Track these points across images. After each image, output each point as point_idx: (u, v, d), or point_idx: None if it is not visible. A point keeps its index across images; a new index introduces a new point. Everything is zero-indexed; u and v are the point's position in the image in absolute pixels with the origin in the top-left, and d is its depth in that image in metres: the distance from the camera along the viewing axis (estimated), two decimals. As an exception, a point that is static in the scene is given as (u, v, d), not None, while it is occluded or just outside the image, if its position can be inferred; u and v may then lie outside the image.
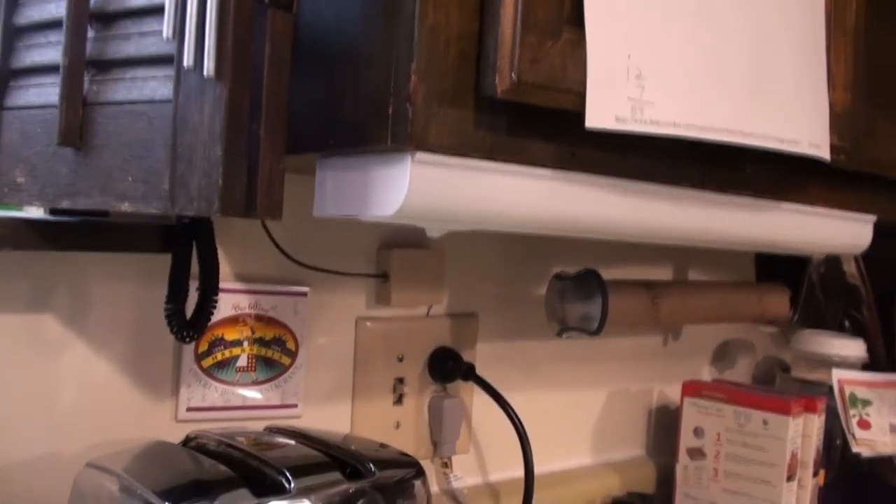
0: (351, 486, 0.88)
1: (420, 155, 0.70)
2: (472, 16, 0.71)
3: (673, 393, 1.56)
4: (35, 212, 1.00)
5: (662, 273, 1.61)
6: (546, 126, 0.76)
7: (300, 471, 0.86)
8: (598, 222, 0.85)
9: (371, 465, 0.91)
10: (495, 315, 1.36)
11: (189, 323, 0.97)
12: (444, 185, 0.73)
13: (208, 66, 0.67)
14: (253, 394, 1.10)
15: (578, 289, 1.29)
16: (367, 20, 0.72)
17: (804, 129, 0.91)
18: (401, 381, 1.24)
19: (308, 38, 0.75)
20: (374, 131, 0.70)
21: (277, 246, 1.09)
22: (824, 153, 0.93)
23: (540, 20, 0.72)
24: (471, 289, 1.33)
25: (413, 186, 0.71)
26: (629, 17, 0.76)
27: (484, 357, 1.33)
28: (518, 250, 1.38)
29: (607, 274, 1.30)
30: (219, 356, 1.07)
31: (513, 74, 0.70)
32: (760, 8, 0.87)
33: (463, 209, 0.75)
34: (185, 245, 0.97)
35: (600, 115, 0.74)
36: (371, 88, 0.71)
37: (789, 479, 1.34)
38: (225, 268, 1.06)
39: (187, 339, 0.97)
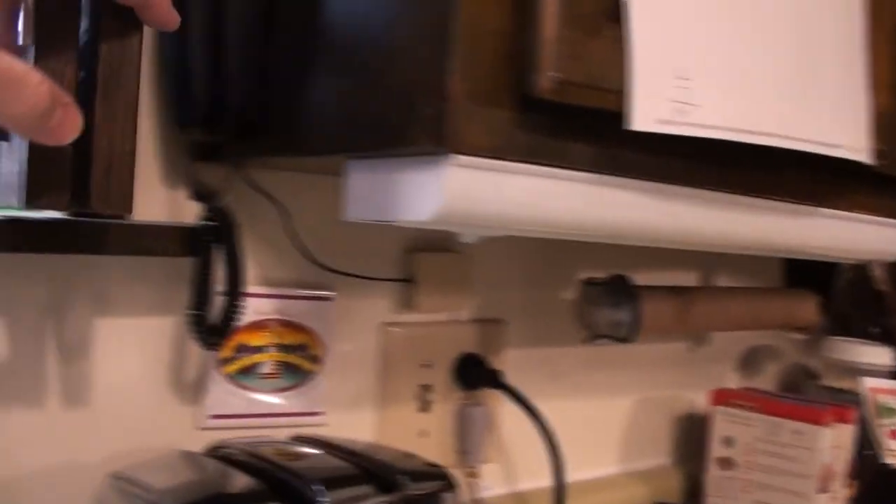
0: (383, 500, 0.86)
1: (457, 157, 0.67)
2: (511, 10, 0.68)
3: (698, 400, 1.54)
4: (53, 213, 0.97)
5: (689, 278, 1.58)
6: (586, 127, 0.74)
7: (331, 483, 0.84)
8: (637, 227, 0.82)
9: (401, 478, 0.89)
10: (522, 321, 1.33)
11: (213, 329, 0.95)
12: (481, 189, 0.70)
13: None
14: (277, 401, 1.08)
15: (609, 295, 1.26)
16: (399, 13, 0.70)
17: (846, 133, 0.88)
18: (426, 387, 1.21)
19: (335, 32, 0.73)
20: (409, 132, 0.68)
21: (301, 250, 1.07)
22: (866, 157, 0.90)
23: (581, 15, 0.69)
24: (498, 294, 1.30)
25: (450, 190, 0.68)
26: (673, 15, 0.74)
27: (511, 363, 1.30)
28: (544, 255, 1.35)
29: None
30: (243, 363, 1.05)
31: (554, 72, 0.67)
32: (804, 8, 0.84)
33: (500, 214, 0.72)
34: (208, 248, 0.94)
35: (643, 116, 0.71)
36: (404, 87, 0.68)
37: (822, 490, 1.32)
38: (248, 272, 1.04)
39: (212, 346, 0.95)
